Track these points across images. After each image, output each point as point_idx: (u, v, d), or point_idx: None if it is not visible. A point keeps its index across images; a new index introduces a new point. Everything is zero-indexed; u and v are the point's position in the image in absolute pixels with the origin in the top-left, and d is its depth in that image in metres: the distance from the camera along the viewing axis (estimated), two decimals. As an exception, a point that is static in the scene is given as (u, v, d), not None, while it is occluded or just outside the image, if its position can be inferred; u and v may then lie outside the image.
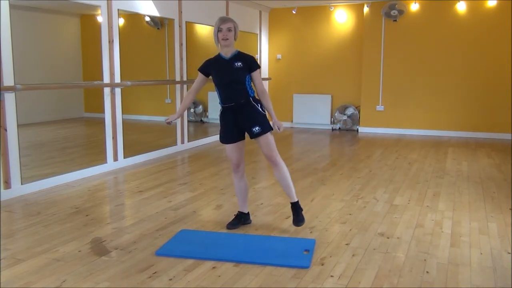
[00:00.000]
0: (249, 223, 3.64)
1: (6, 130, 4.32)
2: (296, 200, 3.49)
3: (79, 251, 3.10)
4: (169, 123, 3.47)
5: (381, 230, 3.51)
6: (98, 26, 5.48)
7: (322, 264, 2.89)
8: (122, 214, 3.99)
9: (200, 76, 3.52)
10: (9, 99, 4.33)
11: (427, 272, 2.80)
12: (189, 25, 7.15)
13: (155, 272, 2.77)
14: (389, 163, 6.02)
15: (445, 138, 8.20)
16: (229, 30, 3.33)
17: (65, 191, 4.65)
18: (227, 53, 3.41)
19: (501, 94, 8.07)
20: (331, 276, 2.73)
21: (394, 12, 8.42)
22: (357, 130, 9.12)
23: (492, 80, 8.14)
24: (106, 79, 5.49)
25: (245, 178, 3.56)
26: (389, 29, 8.67)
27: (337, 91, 9.36)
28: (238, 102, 3.36)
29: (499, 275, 2.77)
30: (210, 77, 3.52)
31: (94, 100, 6.53)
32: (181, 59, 6.89)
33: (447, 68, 8.39)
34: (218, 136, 3.54)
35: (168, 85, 7.19)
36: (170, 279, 2.68)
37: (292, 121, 9.58)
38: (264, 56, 9.62)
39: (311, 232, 3.47)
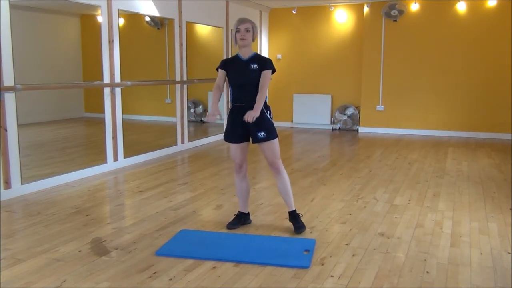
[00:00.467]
0: (249, 223, 3.65)
1: (6, 130, 4.32)
2: (294, 209, 3.51)
3: (79, 251, 3.10)
4: (215, 116, 3.35)
5: (381, 230, 3.51)
6: (98, 26, 5.48)
7: (322, 264, 2.89)
8: (122, 214, 3.99)
9: (220, 72, 3.47)
10: (9, 99, 4.33)
11: (427, 272, 2.80)
12: (189, 25, 7.15)
13: (155, 272, 2.77)
14: (389, 163, 6.02)
15: (445, 138, 8.20)
16: (247, 30, 3.35)
17: (65, 191, 4.65)
18: (245, 54, 3.41)
19: (501, 94, 8.07)
20: (331, 276, 2.73)
21: (394, 12, 8.42)
22: (357, 130, 9.12)
23: (492, 80, 8.14)
24: (106, 79, 5.49)
25: (247, 179, 3.56)
26: (389, 29, 8.67)
27: (337, 91, 9.36)
28: (248, 104, 3.35)
29: (499, 275, 2.77)
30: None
31: (94, 100, 6.52)
32: (181, 59, 6.89)
33: (447, 68, 8.39)
34: (223, 134, 3.54)
35: (168, 85, 7.19)
36: (170, 279, 2.68)
37: (292, 121, 9.58)
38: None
39: (311, 232, 3.47)
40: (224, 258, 2.96)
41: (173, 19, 6.71)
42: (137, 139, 6.96)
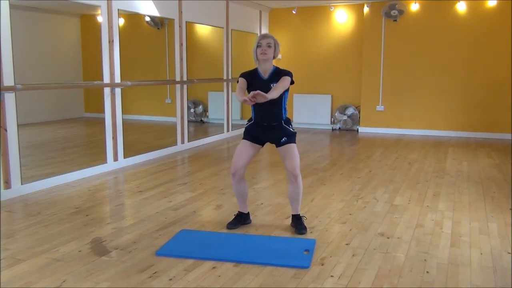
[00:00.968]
0: (249, 223, 3.65)
1: (6, 130, 4.32)
2: (299, 213, 3.53)
3: (79, 251, 3.10)
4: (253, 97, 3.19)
5: (381, 230, 3.51)
6: (98, 26, 5.47)
7: (322, 264, 2.89)
8: (122, 214, 3.99)
9: (241, 80, 3.40)
10: (9, 99, 4.33)
11: (427, 272, 2.80)
12: (189, 25, 7.15)
13: (155, 272, 2.77)
14: (389, 163, 6.02)
15: (445, 138, 8.20)
16: (268, 46, 3.33)
17: (65, 191, 4.65)
18: (265, 71, 3.39)
19: (501, 94, 8.07)
20: (331, 276, 2.73)
21: (394, 12, 8.42)
22: (357, 130, 9.12)
23: (492, 80, 8.14)
24: (106, 79, 5.49)
25: (244, 180, 3.52)
26: (389, 29, 8.68)
27: (337, 91, 9.36)
28: (270, 124, 3.40)
29: (499, 275, 2.77)
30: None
31: (94, 100, 6.53)
32: (181, 59, 6.89)
33: (447, 68, 8.39)
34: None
35: (168, 85, 7.19)
36: (170, 279, 2.68)
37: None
38: (264, 56, 9.60)
39: (311, 232, 3.47)
40: (224, 258, 2.96)
41: (173, 19, 6.71)
42: (137, 139, 6.97)
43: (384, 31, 8.70)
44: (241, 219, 3.60)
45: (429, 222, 3.71)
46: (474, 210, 4.03)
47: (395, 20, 8.55)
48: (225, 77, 8.11)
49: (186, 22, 6.94)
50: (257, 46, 3.35)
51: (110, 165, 5.60)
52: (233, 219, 3.61)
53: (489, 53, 8.10)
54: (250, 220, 3.67)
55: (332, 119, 9.34)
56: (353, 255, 3.04)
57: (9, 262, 2.92)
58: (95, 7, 5.42)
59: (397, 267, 2.85)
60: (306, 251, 3.07)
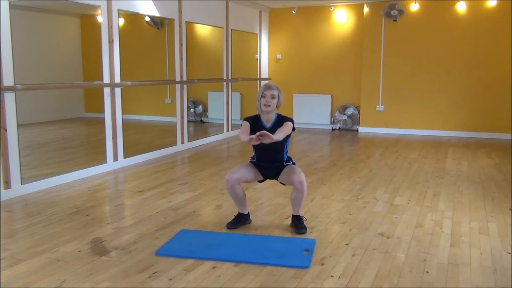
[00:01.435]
0: (249, 223, 3.65)
1: (6, 130, 4.32)
2: (300, 214, 3.54)
3: (79, 251, 3.10)
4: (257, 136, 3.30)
5: (381, 230, 3.51)
6: (98, 26, 5.48)
7: (322, 264, 2.89)
8: (122, 214, 3.99)
9: (246, 123, 3.45)
10: (9, 99, 4.33)
11: (427, 272, 2.80)
12: (189, 25, 7.15)
13: (155, 272, 2.78)
14: (389, 163, 6.02)
15: (445, 138, 8.20)
16: (272, 97, 3.38)
17: (65, 191, 4.65)
18: (268, 121, 3.45)
19: (501, 94, 8.07)
20: (331, 276, 2.73)
21: (394, 12, 8.42)
22: (357, 130, 9.12)
23: (492, 80, 8.14)
24: (106, 79, 5.49)
25: (238, 186, 3.46)
26: (389, 29, 8.68)
27: (337, 91, 9.36)
28: (271, 166, 3.49)
29: (499, 275, 2.77)
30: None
31: (94, 100, 6.52)
32: (181, 59, 6.89)
33: (447, 68, 8.39)
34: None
35: (168, 85, 7.19)
36: (170, 279, 2.68)
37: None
38: (264, 56, 9.62)
39: (311, 232, 3.47)
40: (224, 258, 2.96)
41: (173, 19, 6.71)
42: (137, 139, 6.97)
43: (384, 31, 8.70)
44: (241, 219, 3.60)
45: (429, 222, 3.71)
46: (474, 210, 4.03)
47: (395, 20, 8.55)
48: (225, 77, 8.11)
49: (186, 22, 6.94)
50: (261, 96, 3.39)
51: (110, 165, 5.60)
52: (233, 219, 3.61)
53: (489, 53, 8.10)
54: (250, 220, 3.67)
55: (332, 119, 9.34)
56: (353, 255, 3.04)
57: (9, 262, 2.92)
58: (95, 7, 5.42)
59: (397, 267, 2.85)
60: (306, 251, 3.07)
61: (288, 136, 3.41)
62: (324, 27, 9.31)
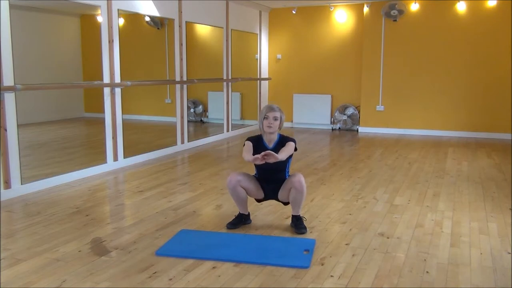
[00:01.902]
0: (249, 223, 3.65)
1: (6, 130, 4.32)
2: (299, 214, 3.54)
3: (79, 251, 3.10)
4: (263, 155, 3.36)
5: (381, 230, 3.51)
6: (98, 26, 5.48)
7: (322, 264, 2.89)
8: (122, 214, 3.99)
9: (249, 143, 3.48)
10: (9, 99, 4.33)
11: (427, 272, 2.80)
12: (189, 25, 7.15)
13: (155, 272, 2.78)
14: (389, 163, 6.02)
15: (445, 138, 8.20)
16: (275, 119, 3.41)
17: (65, 191, 4.65)
18: (270, 141, 3.48)
19: (501, 94, 8.07)
20: (331, 276, 2.73)
21: (394, 12, 8.42)
22: (357, 130, 9.13)
23: (492, 80, 8.14)
24: (106, 79, 5.49)
25: (239, 187, 3.47)
26: (389, 29, 8.68)
27: (337, 91, 9.36)
28: (273, 183, 3.54)
29: (499, 275, 2.77)
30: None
31: (94, 100, 6.53)
32: (181, 59, 6.89)
33: (447, 68, 8.39)
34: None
35: (168, 85, 7.19)
36: (170, 279, 2.68)
37: (292, 121, 9.58)
38: (264, 56, 9.62)
39: (311, 232, 3.47)
40: (224, 258, 2.96)
41: (173, 19, 6.71)
42: (137, 139, 6.97)
43: (384, 31, 8.70)
44: (242, 219, 3.60)
45: (429, 222, 3.71)
46: (474, 210, 4.03)
47: (395, 20, 8.55)
48: (225, 77, 8.11)
49: (186, 22, 6.94)
50: (264, 118, 3.41)
51: (110, 165, 5.60)
52: (233, 219, 3.61)
53: (489, 53, 8.10)
54: (250, 221, 3.67)
55: (332, 119, 9.34)
56: (353, 255, 3.04)
57: (9, 262, 2.92)
58: (95, 7, 5.42)
59: (397, 267, 2.85)
60: (306, 251, 3.07)
61: (290, 156, 3.45)
62: (324, 27, 9.31)
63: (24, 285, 2.62)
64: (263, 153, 3.13)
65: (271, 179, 3.54)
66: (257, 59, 9.39)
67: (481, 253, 3.09)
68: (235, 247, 3.18)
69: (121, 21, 5.73)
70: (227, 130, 8.34)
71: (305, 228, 3.47)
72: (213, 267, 2.84)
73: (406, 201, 4.30)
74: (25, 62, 5.47)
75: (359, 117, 9.10)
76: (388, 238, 3.35)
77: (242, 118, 8.98)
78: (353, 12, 9.08)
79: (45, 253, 3.06)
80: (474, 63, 8.23)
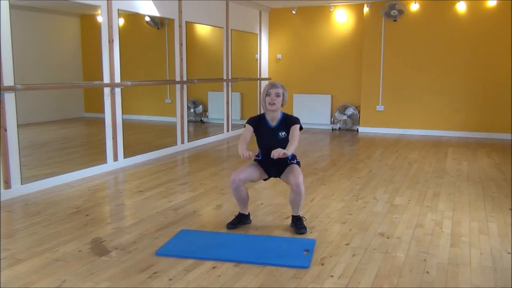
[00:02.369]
0: (249, 223, 3.65)
1: (6, 130, 4.32)
2: (299, 214, 3.54)
3: (79, 251, 3.10)
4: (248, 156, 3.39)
5: (381, 230, 3.51)
6: (98, 26, 5.48)
7: (322, 264, 2.90)
8: (122, 214, 3.99)
9: (247, 128, 3.49)
10: (9, 99, 4.33)
11: (427, 272, 2.80)
12: (189, 25, 7.15)
13: (155, 272, 2.78)
14: (389, 163, 6.02)
15: (445, 138, 8.20)
16: (277, 95, 3.39)
17: (65, 191, 4.65)
18: (273, 119, 3.46)
19: (501, 94, 8.07)
20: (331, 276, 2.73)
21: (394, 12, 8.42)
22: (357, 130, 9.13)
23: (492, 80, 8.14)
24: (106, 79, 5.49)
25: (243, 187, 3.48)
26: (389, 29, 8.68)
27: (337, 91, 9.36)
28: (276, 163, 3.47)
29: (499, 275, 2.77)
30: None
31: (94, 100, 6.53)
32: (181, 59, 6.88)
33: (447, 68, 8.39)
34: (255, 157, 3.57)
35: (168, 85, 7.19)
36: (170, 279, 2.68)
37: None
38: (264, 56, 9.62)
39: (311, 232, 3.47)
40: (224, 258, 2.96)
41: (173, 19, 6.71)
42: (137, 139, 6.97)
43: (384, 31, 8.70)
44: (241, 219, 3.60)
45: (429, 222, 3.71)
46: (474, 210, 4.03)
47: (395, 20, 8.55)
48: (225, 77, 8.11)
49: (186, 22, 6.94)
50: (266, 95, 3.40)
51: (110, 165, 5.60)
52: (233, 219, 3.61)
53: (489, 53, 8.11)
54: (250, 221, 3.67)
55: (332, 119, 9.34)
56: (353, 255, 3.04)
57: (9, 262, 2.93)
58: (95, 7, 5.42)
59: (397, 267, 2.86)
60: (306, 251, 3.07)
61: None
62: (324, 27, 9.31)
63: (24, 285, 2.62)
64: (272, 154, 3.15)
65: (274, 159, 3.41)
66: (257, 59, 9.39)
67: (481, 253, 3.09)
68: (235, 247, 3.18)
69: (121, 21, 5.73)
70: (227, 130, 8.34)
71: (305, 228, 3.47)
72: (213, 267, 2.84)
73: (406, 201, 4.30)
74: (25, 62, 5.47)
75: (359, 117, 9.10)
76: (388, 238, 3.35)
77: (242, 118, 8.98)
78: (353, 12, 9.08)
79: (45, 253, 3.06)
80: (474, 63, 8.23)
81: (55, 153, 6.24)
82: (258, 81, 9.38)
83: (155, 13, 6.35)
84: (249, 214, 3.66)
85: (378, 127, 8.95)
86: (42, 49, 6.45)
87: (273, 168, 3.54)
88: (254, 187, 4.73)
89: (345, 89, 9.29)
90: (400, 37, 8.62)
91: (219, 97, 8.23)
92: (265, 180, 3.68)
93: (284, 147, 3.39)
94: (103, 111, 5.55)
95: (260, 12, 9.29)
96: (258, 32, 9.29)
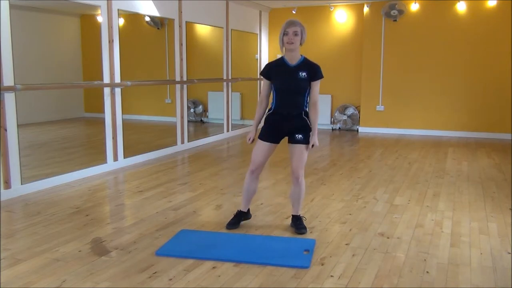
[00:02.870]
0: (249, 218, 3.63)
1: (6, 130, 4.32)
2: (299, 214, 3.54)
3: (79, 251, 3.10)
4: (253, 140, 3.44)
5: (381, 230, 3.51)
6: (98, 26, 5.47)
7: (322, 264, 2.89)
8: (122, 214, 3.99)
9: (264, 81, 3.40)
10: (9, 99, 4.33)
11: (427, 272, 2.80)
12: (189, 25, 7.15)
13: (155, 272, 2.78)
14: (389, 163, 6.02)
15: (445, 138, 8.20)
16: (295, 34, 3.23)
17: (65, 191, 4.65)
18: (292, 59, 3.31)
19: (501, 94, 8.07)
20: (331, 276, 2.73)
21: (394, 12, 8.42)
22: (357, 130, 9.13)
23: (492, 80, 8.14)
24: (106, 79, 5.49)
25: (258, 179, 3.50)
26: (389, 29, 8.67)
27: (337, 91, 9.36)
28: (291, 113, 3.33)
29: (499, 275, 2.77)
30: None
31: (94, 100, 6.54)
32: (181, 59, 6.88)
33: (447, 68, 8.39)
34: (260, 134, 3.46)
35: (168, 85, 7.19)
36: (170, 279, 2.68)
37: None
38: (264, 56, 9.62)
39: (311, 232, 3.47)
40: (224, 258, 2.96)
41: (173, 19, 6.71)
42: (137, 139, 6.97)
43: (384, 31, 8.70)
44: (241, 218, 3.59)
45: (429, 222, 3.71)
46: (474, 210, 4.03)
47: (395, 20, 8.55)
48: (225, 77, 8.11)
49: (186, 22, 6.94)
50: (284, 34, 3.24)
51: (110, 165, 5.60)
52: (232, 218, 3.60)
53: (489, 53, 8.10)
54: (250, 215, 3.65)
55: (332, 119, 9.34)
56: (353, 255, 3.04)
57: (9, 262, 2.92)
58: (95, 7, 5.42)
59: (397, 267, 2.85)
60: (306, 251, 3.07)
61: (311, 81, 3.33)
62: (324, 27, 9.30)
63: (24, 285, 2.62)
64: (311, 143, 3.27)
65: (290, 104, 3.31)
66: (257, 59, 9.39)
67: (481, 253, 3.09)
68: (235, 247, 3.18)
69: (121, 21, 5.73)
70: (227, 130, 8.34)
71: (305, 228, 3.47)
72: (213, 267, 2.84)
73: (406, 201, 4.30)
74: (25, 62, 5.47)
75: (359, 117, 9.10)
76: (388, 238, 3.35)
77: (242, 118, 8.98)
78: (353, 12, 9.08)
79: (45, 253, 3.06)
80: (474, 63, 8.23)
81: (55, 153, 6.25)
82: (258, 81, 9.37)
83: (155, 13, 6.35)
84: (248, 210, 3.64)
85: (378, 127, 8.95)
86: (42, 49, 6.46)
87: (286, 121, 3.33)
88: (254, 187, 4.74)
89: (345, 89, 9.29)
90: (400, 37, 8.62)
91: (219, 97, 8.23)
92: (277, 143, 3.46)
93: (303, 88, 3.28)
94: (103, 111, 5.54)
95: (260, 12, 9.29)
96: (258, 32, 9.29)
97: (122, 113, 5.73)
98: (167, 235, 3.39)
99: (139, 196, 4.46)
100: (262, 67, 9.41)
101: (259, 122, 3.53)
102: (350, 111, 9.17)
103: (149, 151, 6.34)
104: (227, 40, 8.11)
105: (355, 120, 9.16)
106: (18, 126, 4.42)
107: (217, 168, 5.76)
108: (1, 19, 4.22)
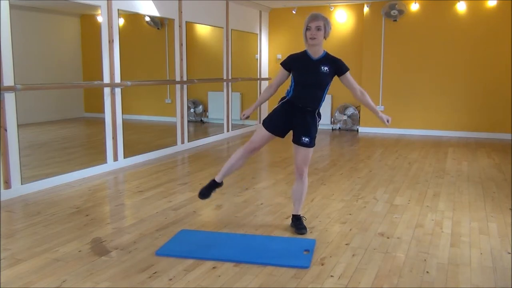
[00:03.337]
0: (221, 186, 3.55)
1: (6, 130, 4.32)
2: (300, 213, 3.54)
3: (79, 251, 3.10)
4: (246, 117, 3.45)
5: (381, 230, 3.51)
6: (98, 26, 5.47)
7: (322, 264, 2.89)
8: (122, 214, 3.99)
9: (282, 71, 3.34)
10: (9, 99, 4.33)
11: (427, 272, 2.80)
12: (189, 25, 7.15)
13: (155, 272, 2.78)
14: (389, 163, 6.02)
15: (445, 138, 8.20)
16: (318, 29, 3.20)
17: (65, 191, 4.65)
18: (315, 53, 3.28)
19: (501, 94, 8.07)
20: (331, 276, 2.73)
21: (394, 12, 8.42)
22: (357, 130, 9.13)
23: (492, 80, 8.14)
24: (106, 79, 5.49)
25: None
26: (389, 29, 8.67)
27: (337, 91, 9.32)
28: (306, 107, 3.28)
29: (499, 275, 2.77)
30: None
31: (94, 100, 6.54)
32: (181, 59, 6.88)
33: (447, 68, 8.39)
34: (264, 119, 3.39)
35: (168, 85, 7.19)
36: (170, 279, 2.68)
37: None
38: (264, 56, 9.62)
39: (311, 232, 3.47)
40: (224, 258, 2.96)
41: (173, 19, 6.71)
42: (137, 139, 6.97)
43: (384, 31, 8.70)
44: (214, 188, 3.51)
45: (429, 222, 3.71)
46: (474, 210, 4.03)
47: (395, 20, 8.55)
48: (225, 77, 8.11)
49: (186, 22, 6.94)
50: (306, 29, 3.23)
51: (110, 165, 5.60)
52: (205, 188, 3.48)
53: (489, 53, 8.10)
54: (222, 183, 3.56)
55: (332, 119, 9.33)
56: (353, 255, 3.04)
57: (9, 262, 2.92)
58: (95, 7, 5.42)
59: (397, 267, 2.85)
60: (306, 251, 3.07)
61: (331, 78, 3.31)
62: (324, 27, 9.29)
63: (24, 285, 2.62)
64: (386, 121, 3.56)
65: (307, 98, 3.25)
66: (257, 59, 9.39)
67: (481, 253, 3.09)
68: (235, 247, 3.18)
69: (121, 21, 5.73)
70: (227, 130, 8.34)
71: (305, 228, 3.47)
72: (213, 267, 2.84)
73: (406, 201, 4.30)
74: (25, 62, 5.47)
75: (359, 117, 9.10)
76: (388, 238, 3.35)
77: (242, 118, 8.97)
78: (353, 12, 9.08)
79: (45, 253, 3.06)
80: (474, 63, 8.23)
81: (55, 153, 6.25)
82: (258, 81, 9.37)
83: (155, 13, 6.35)
84: (222, 182, 3.55)
85: (378, 127, 8.95)
86: (42, 49, 6.46)
87: (297, 116, 3.28)
88: (254, 187, 4.74)
89: (345, 89, 9.21)
90: (400, 37, 8.62)
91: (219, 97, 8.23)
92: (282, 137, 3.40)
93: (324, 82, 3.25)
94: (103, 111, 5.54)
95: (260, 12, 9.29)
96: (258, 32, 9.29)
97: (122, 113, 5.73)
98: (167, 235, 3.39)
99: (139, 196, 4.46)
100: (262, 67, 9.48)
101: (260, 105, 3.54)
102: (350, 111, 9.17)
103: (149, 151, 6.33)
104: (227, 40, 8.11)
105: (355, 120, 9.16)
106: (18, 126, 4.42)
107: (217, 168, 5.74)
108: (1, 19, 4.22)
